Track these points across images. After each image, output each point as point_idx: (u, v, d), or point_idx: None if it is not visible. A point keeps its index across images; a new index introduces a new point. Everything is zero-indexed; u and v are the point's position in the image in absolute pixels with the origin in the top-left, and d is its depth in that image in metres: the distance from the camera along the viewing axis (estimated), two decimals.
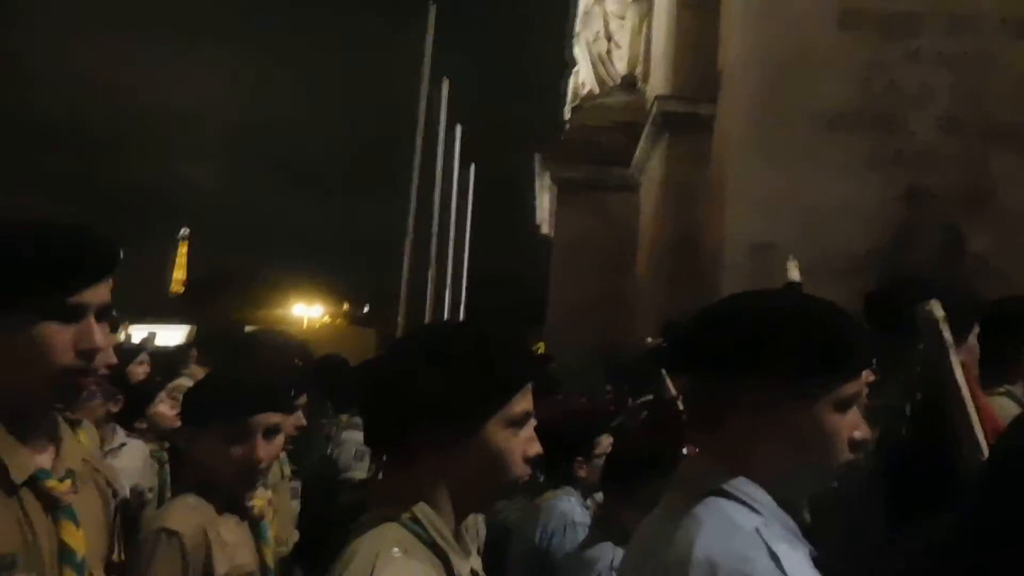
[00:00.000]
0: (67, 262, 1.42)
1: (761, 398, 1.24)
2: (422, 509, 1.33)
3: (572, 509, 2.92)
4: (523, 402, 1.38)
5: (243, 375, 2.32)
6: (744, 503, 1.23)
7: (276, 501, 2.43)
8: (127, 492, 2.29)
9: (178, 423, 2.76)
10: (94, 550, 1.51)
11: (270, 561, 2.17)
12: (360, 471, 3.71)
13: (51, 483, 1.44)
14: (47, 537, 1.42)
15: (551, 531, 2.87)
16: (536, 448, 1.40)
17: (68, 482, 1.47)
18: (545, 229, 16.11)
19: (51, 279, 1.40)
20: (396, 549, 1.28)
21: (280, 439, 2.20)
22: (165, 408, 3.68)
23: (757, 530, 1.19)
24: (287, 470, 3.14)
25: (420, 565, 1.29)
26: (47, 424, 1.50)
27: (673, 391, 3.99)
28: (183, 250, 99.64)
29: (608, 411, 3.46)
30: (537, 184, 15.56)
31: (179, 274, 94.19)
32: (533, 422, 1.41)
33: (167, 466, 3.72)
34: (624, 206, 12.25)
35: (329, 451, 3.90)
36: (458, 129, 18.27)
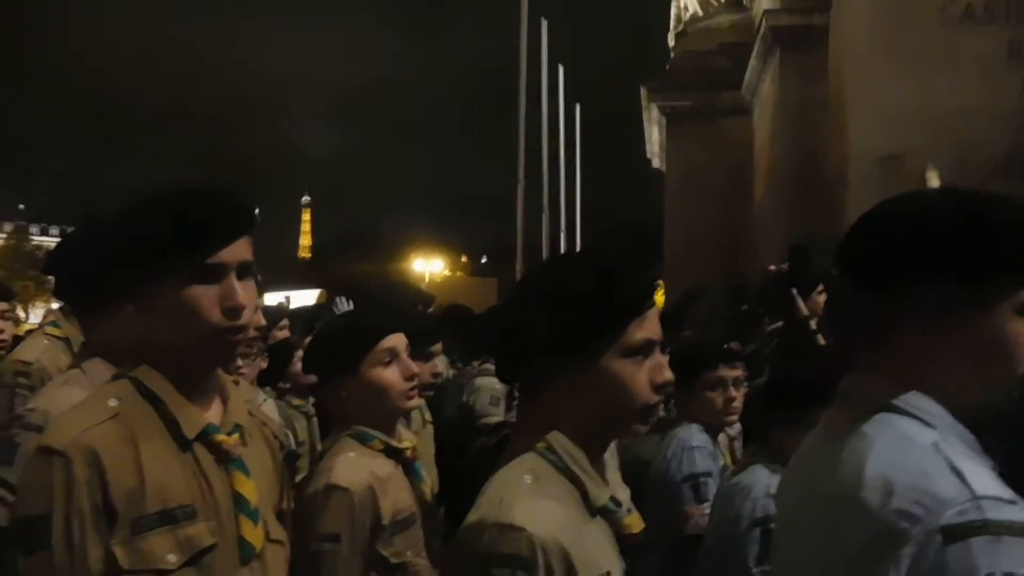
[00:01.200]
0: (203, 224, 1.46)
1: (932, 306, 1.13)
2: (555, 437, 1.32)
3: (690, 435, 2.93)
4: (642, 330, 1.33)
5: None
6: (917, 418, 1.13)
7: (420, 447, 2.47)
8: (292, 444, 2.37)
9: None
10: (266, 499, 1.57)
11: (430, 498, 2.21)
12: (497, 415, 3.75)
13: (221, 437, 1.50)
14: (222, 488, 1.48)
15: (669, 457, 2.91)
16: (665, 375, 1.35)
17: (236, 436, 1.53)
18: (657, 163, 15.74)
19: (190, 242, 1.44)
20: (527, 476, 1.28)
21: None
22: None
23: (935, 445, 1.09)
24: (428, 416, 3.19)
25: (552, 491, 1.28)
26: (212, 382, 1.56)
27: (804, 311, 3.85)
28: (307, 216, 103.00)
29: (713, 344, 3.34)
30: (645, 117, 15.18)
31: (305, 240, 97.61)
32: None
33: (314, 420, 3.87)
34: (737, 131, 11.80)
35: (464, 399, 3.95)
36: (560, 69, 17.97)
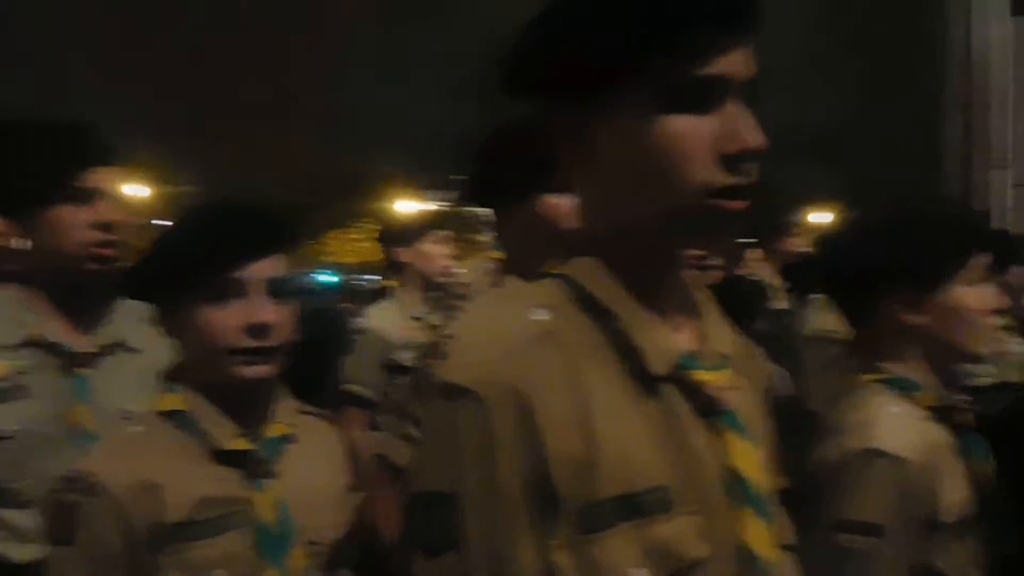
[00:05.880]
0: (697, 15, 0.81)
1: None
2: None
3: None
4: None
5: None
6: None
7: None
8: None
9: None
10: (768, 478, 0.93)
11: (992, 487, 1.43)
12: None
13: (703, 375, 0.88)
14: (708, 459, 0.87)
15: None
16: None
17: (724, 373, 0.90)
18: None
19: (681, 41, 0.82)
20: None
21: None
22: None
23: None
24: None
25: None
26: (680, 284, 0.93)
27: None
28: None
29: None
30: None
31: None
32: None
33: None
34: None
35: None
36: None
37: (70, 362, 1.56)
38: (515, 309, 0.87)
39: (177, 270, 1.23)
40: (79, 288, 1.59)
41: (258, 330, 1.22)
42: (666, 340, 0.87)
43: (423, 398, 1.54)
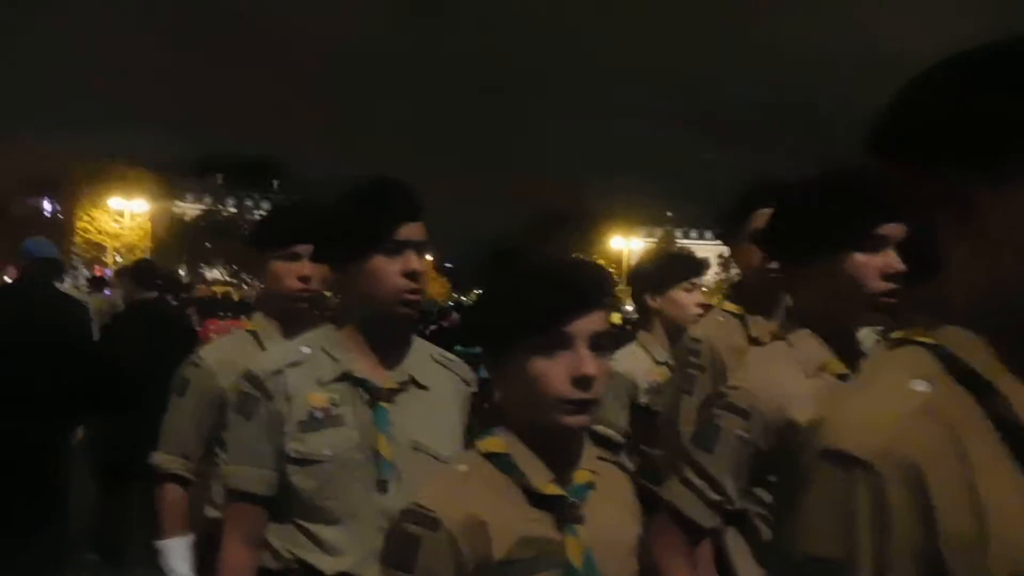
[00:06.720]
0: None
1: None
2: None
3: None
4: None
5: None
6: None
7: None
8: None
9: None
10: None
11: None
12: None
13: None
14: None
15: None
16: None
17: None
18: None
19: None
20: None
21: None
22: None
23: None
24: None
25: None
26: None
27: None
28: None
29: None
30: None
31: None
32: None
33: None
34: None
35: None
36: None
37: (374, 396, 1.70)
38: (895, 378, 0.86)
39: (513, 321, 1.28)
40: (384, 329, 1.73)
41: (584, 382, 1.25)
42: None
43: (699, 444, 1.55)
